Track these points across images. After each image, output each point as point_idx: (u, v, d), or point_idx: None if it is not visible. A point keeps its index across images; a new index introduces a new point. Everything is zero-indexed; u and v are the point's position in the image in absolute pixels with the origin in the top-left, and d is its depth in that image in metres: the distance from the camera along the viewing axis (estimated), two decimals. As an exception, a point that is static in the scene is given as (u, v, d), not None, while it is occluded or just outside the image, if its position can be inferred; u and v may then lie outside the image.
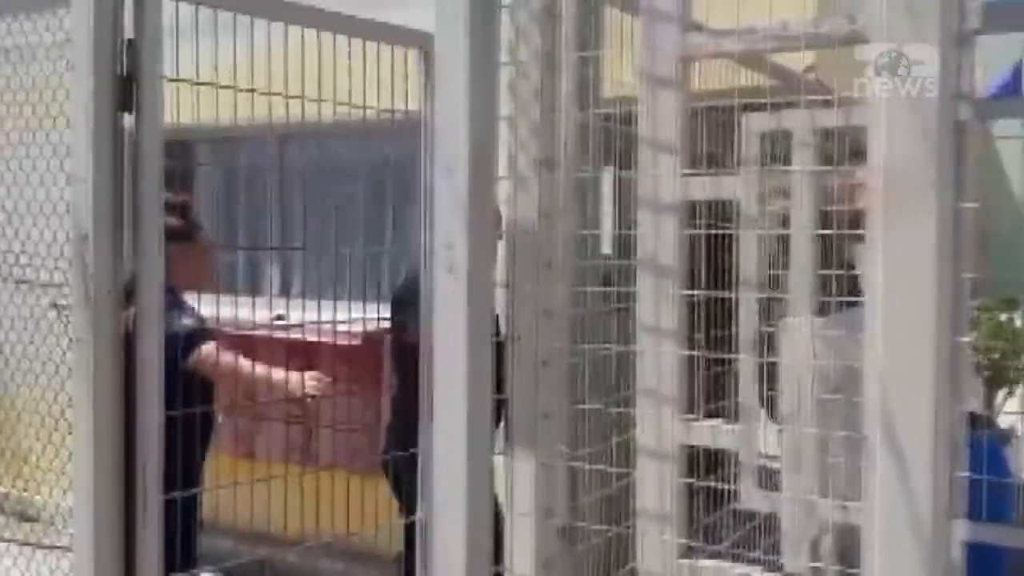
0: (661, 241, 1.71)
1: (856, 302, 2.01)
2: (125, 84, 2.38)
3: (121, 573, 2.42)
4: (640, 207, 1.74)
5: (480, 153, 1.81)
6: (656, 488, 1.74)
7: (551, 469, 2.01)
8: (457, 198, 1.80)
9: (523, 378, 1.92)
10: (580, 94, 2.08)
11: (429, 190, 3.41)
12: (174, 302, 3.25)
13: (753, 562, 1.73)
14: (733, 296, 1.72)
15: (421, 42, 3.15)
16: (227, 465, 3.78)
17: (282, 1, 2.74)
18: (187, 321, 3.25)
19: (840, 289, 2.08)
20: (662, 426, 1.73)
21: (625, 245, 2.36)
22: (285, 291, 5.48)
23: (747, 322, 1.68)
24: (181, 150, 5.75)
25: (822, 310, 2.45)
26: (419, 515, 3.13)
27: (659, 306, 1.72)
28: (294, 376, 3.51)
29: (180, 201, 3.36)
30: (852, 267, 2.47)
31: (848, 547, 1.96)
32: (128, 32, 2.38)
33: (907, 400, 1.42)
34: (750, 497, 1.70)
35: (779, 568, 1.79)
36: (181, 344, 3.13)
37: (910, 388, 1.41)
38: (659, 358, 1.72)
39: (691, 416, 1.70)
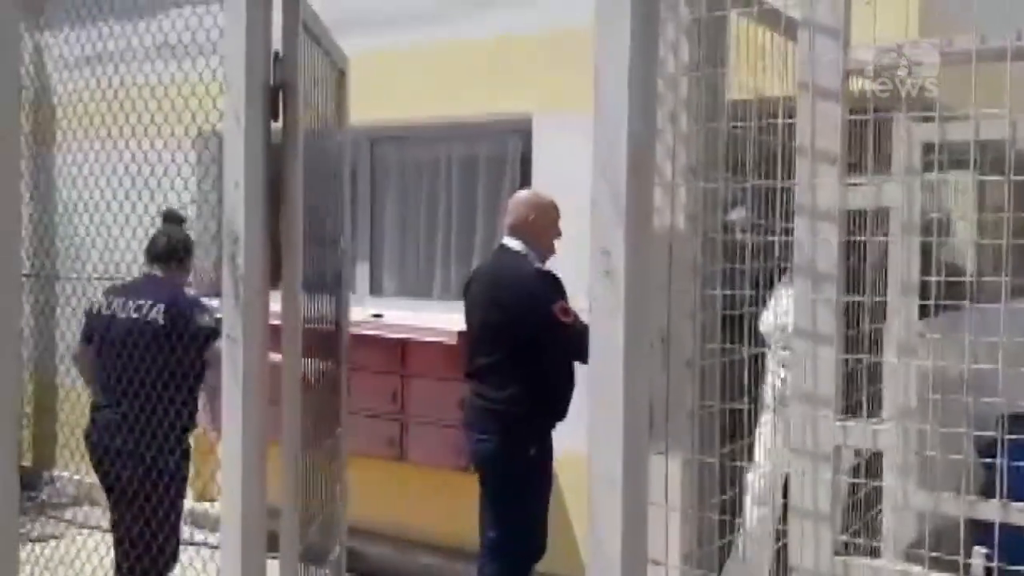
0: (819, 247, 1.77)
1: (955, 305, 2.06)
2: (274, 94, 2.51)
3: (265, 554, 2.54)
4: (797, 214, 1.80)
5: (639, 160, 1.89)
6: (811, 487, 1.80)
7: (694, 466, 2.08)
8: (616, 204, 1.87)
9: (673, 378, 1.99)
10: (717, 102, 2.15)
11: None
12: (195, 300, 3.93)
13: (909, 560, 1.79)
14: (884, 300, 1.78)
15: (341, 65, 3.50)
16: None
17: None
18: (207, 318, 3.80)
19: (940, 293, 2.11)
20: (818, 427, 1.79)
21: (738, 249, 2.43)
22: (376, 290, 5.60)
23: (906, 325, 1.74)
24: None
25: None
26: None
27: (815, 310, 1.79)
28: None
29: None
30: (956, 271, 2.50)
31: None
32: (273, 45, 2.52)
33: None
34: (909, 497, 1.75)
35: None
36: (204, 338, 3.75)
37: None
38: (815, 361, 1.78)
39: (848, 417, 1.76)
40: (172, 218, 4.08)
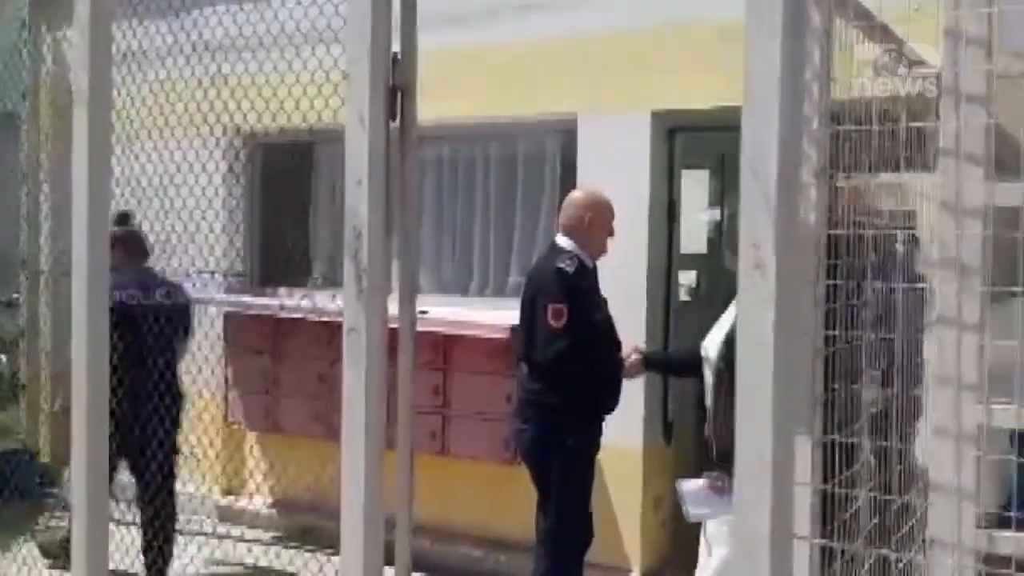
0: (964, 242, 1.90)
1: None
2: (393, 95, 2.60)
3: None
4: (943, 211, 1.93)
5: (787, 156, 2.00)
6: (952, 463, 1.93)
7: (821, 447, 2.20)
8: (766, 199, 1.98)
9: (805, 365, 2.11)
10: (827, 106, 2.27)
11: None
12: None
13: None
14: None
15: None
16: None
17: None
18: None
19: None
20: (961, 408, 1.92)
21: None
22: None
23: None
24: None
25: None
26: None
27: (960, 300, 1.92)
28: None
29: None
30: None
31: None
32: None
33: None
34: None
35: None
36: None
37: None
38: (959, 347, 1.91)
39: (1003, 400, 1.90)
40: (126, 219, 4.67)
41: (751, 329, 2.02)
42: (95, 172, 3.14)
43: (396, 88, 2.60)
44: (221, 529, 5.63)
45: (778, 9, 1.98)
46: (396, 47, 2.61)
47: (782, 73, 1.98)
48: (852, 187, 2.51)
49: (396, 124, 2.60)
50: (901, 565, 2.34)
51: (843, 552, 2.30)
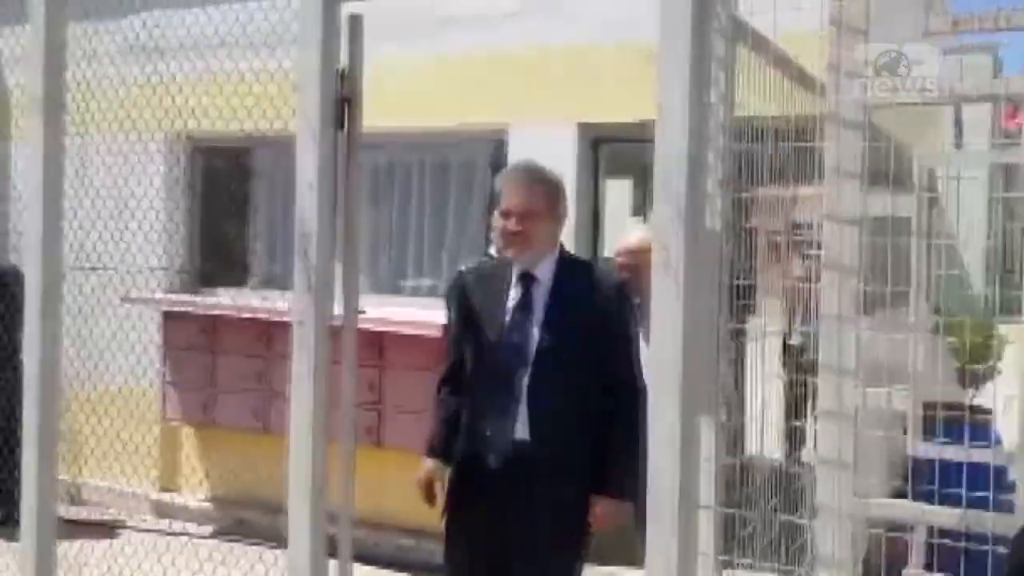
0: (844, 247, 2.20)
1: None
2: (340, 106, 2.82)
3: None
4: (827, 220, 2.22)
5: (693, 171, 2.28)
6: (836, 440, 2.22)
7: (723, 427, 2.49)
8: (675, 205, 2.26)
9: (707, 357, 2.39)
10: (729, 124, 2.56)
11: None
12: None
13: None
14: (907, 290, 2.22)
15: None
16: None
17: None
18: None
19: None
20: (843, 392, 2.21)
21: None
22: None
23: (918, 311, 2.17)
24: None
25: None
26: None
27: (841, 297, 2.21)
28: None
29: None
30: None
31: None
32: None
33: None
34: (916, 447, 2.19)
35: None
36: None
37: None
38: (839, 339, 2.21)
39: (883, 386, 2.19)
40: None
41: (662, 321, 2.29)
42: (49, 177, 3.28)
43: (343, 100, 2.82)
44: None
45: (686, 41, 2.25)
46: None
47: (691, 96, 2.26)
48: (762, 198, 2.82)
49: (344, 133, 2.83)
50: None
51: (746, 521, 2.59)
